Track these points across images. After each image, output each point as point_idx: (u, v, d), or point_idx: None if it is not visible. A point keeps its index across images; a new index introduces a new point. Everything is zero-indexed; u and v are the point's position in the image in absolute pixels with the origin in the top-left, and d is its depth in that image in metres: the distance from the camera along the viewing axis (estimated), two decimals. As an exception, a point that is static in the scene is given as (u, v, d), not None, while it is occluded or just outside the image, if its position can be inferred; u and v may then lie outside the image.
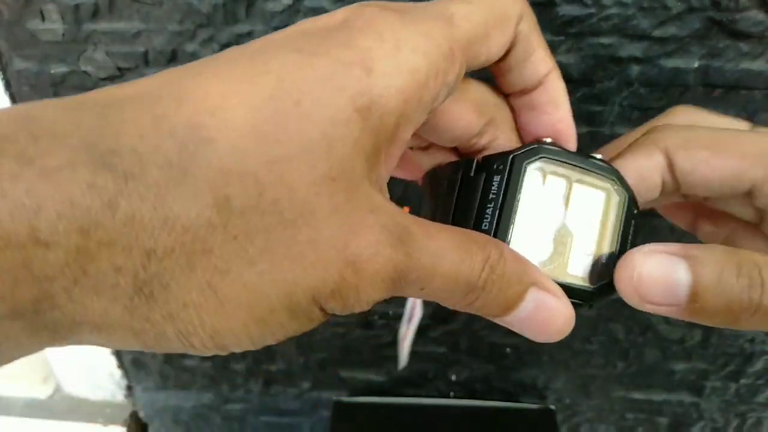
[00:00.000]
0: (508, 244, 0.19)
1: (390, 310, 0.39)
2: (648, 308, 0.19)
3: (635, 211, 0.21)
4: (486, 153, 0.21)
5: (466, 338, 0.40)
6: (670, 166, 0.21)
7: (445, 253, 0.16)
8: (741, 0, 0.27)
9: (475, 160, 0.20)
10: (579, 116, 0.31)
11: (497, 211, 0.20)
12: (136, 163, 0.13)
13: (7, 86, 0.32)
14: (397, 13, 0.16)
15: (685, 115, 0.23)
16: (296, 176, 0.14)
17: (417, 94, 0.16)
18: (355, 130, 0.15)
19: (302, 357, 0.42)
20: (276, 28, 0.29)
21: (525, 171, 0.20)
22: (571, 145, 0.22)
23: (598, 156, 0.21)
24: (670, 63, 0.29)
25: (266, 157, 0.14)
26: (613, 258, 0.20)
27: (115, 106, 0.14)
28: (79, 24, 0.29)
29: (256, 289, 0.14)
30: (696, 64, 0.29)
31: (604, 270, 0.20)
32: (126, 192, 0.13)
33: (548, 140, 0.20)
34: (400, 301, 0.39)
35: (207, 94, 0.14)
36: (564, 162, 0.20)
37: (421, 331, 0.40)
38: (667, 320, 0.38)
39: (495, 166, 0.20)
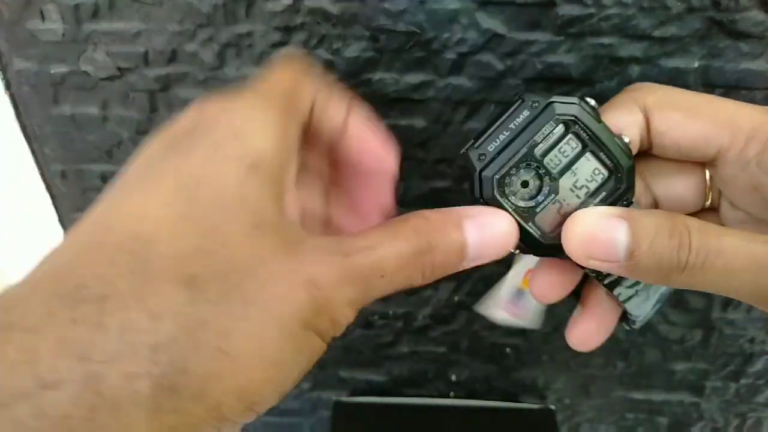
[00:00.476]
0: (494, 175, 0.22)
1: (390, 310, 0.39)
2: (591, 264, 0.21)
3: (625, 202, 0.22)
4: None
5: (466, 338, 0.40)
6: (647, 124, 0.23)
7: (380, 241, 0.18)
8: (741, 0, 0.27)
9: (518, 95, 0.22)
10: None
11: (508, 140, 0.22)
12: (105, 285, 0.14)
13: (7, 86, 0.32)
14: (236, 102, 0.19)
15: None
16: (230, 235, 0.16)
17: (284, 147, 0.19)
18: (255, 183, 0.17)
19: (302, 357, 0.42)
20: (276, 28, 0.29)
21: (552, 122, 0.22)
22: (392, 161, 0.24)
23: (627, 140, 0.22)
24: (671, 63, 0.29)
25: (200, 231, 0.16)
26: None
27: (59, 253, 0.16)
28: (79, 24, 0.29)
29: (257, 334, 0.15)
30: (696, 64, 0.29)
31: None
32: (107, 310, 0.14)
33: (592, 102, 0.22)
34: (400, 302, 0.39)
35: (130, 211, 0.16)
36: (590, 130, 0.22)
37: (421, 331, 0.40)
38: (667, 320, 0.38)
39: (531, 102, 0.22)
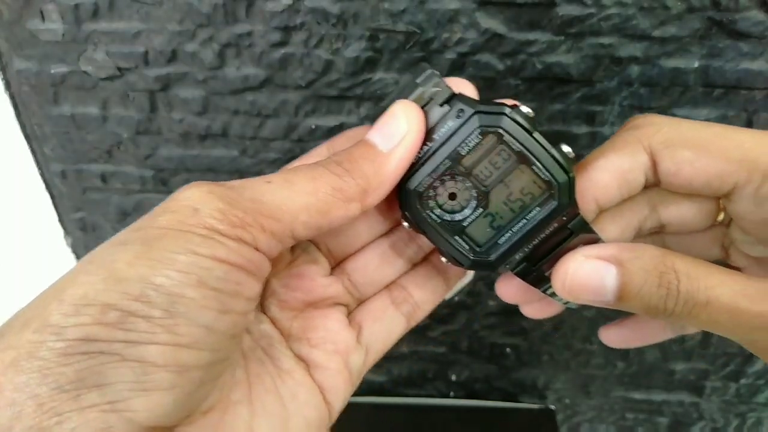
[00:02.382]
0: (416, 188, 0.21)
1: (390, 310, 0.39)
2: (580, 302, 0.21)
3: (563, 216, 0.21)
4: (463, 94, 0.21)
5: (466, 338, 0.40)
6: (654, 164, 0.22)
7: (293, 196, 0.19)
8: (741, 0, 0.27)
9: (452, 93, 0.21)
10: (579, 116, 0.31)
11: (432, 151, 0.21)
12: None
13: (7, 86, 0.32)
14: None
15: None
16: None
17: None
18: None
19: (302, 357, 0.42)
20: (276, 28, 0.29)
21: (477, 133, 0.20)
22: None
23: (566, 149, 0.21)
24: (670, 63, 0.29)
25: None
26: (508, 246, 0.21)
27: None
28: (79, 24, 0.29)
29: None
30: (696, 64, 0.29)
31: (492, 250, 0.22)
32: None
33: (525, 110, 0.21)
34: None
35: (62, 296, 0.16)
36: (520, 142, 0.21)
37: (421, 331, 0.40)
38: (667, 320, 0.38)
39: (457, 112, 0.21)
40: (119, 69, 0.31)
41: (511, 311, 0.39)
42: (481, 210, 0.21)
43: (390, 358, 0.42)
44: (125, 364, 0.15)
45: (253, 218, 0.18)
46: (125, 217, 0.37)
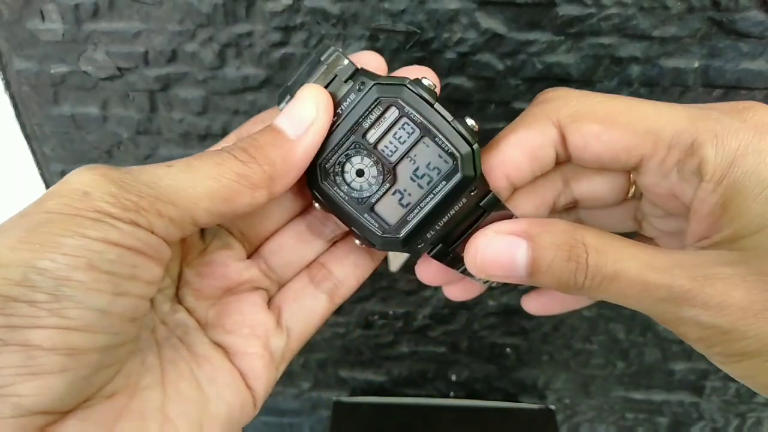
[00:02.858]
0: (320, 162, 0.20)
1: (390, 310, 0.39)
2: (493, 278, 0.21)
3: (472, 192, 0.21)
4: (365, 67, 0.21)
5: (466, 338, 0.40)
6: (563, 139, 0.22)
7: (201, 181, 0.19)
8: (741, 0, 0.27)
9: (355, 68, 0.21)
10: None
11: (335, 126, 0.20)
12: None
13: (7, 86, 0.32)
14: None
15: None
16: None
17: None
18: None
19: (302, 357, 0.42)
20: (276, 28, 0.29)
21: (377, 104, 0.20)
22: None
23: (470, 122, 0.21)
24: (670, 63, 0.29)
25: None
26: (416, 223, 0.21)
27: None
28: (79, 24, 0.29)
29: None
30: (696, 64, 0.29)
31: (402, 227, 0.21)
32: None
33: (428, 82, 0.20)
34: (400, 302, 0.39)
35: None
36: (422, 114, 0.20)
37: (421, 331, 0.40)
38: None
39: (358, 85, 0.20)
40: (119, 69, 0.31)
41: (512, 311, 0.39)
42: (388, 186, 0.21)
43: (390, 358, 0.42)
44: (9, 348, 0.15)
45: (148, 203, 0.18)
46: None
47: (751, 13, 0.27)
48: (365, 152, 0.21)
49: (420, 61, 0.30)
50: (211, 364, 0.21)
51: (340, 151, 0.21)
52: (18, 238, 0.16)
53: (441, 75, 0.30)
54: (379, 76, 0.20)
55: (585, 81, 0.30)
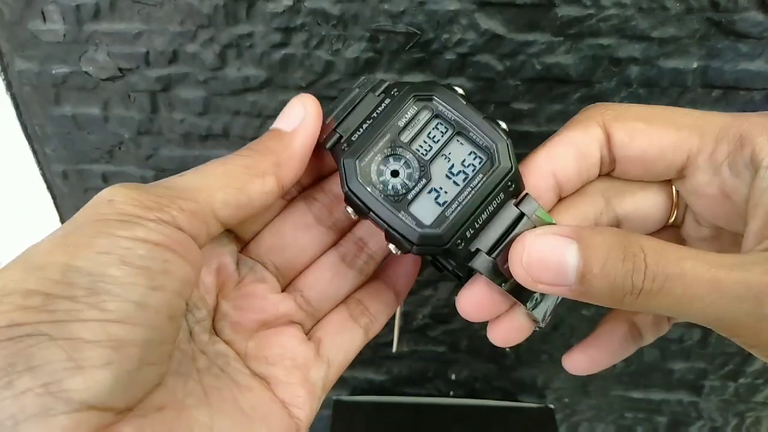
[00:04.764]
0: (357, 162, 0.21)
1: (390, 310, 0.40)
2: (540, 288, 0.19)
3: (511, 188, 0.21)
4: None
5: (466, 338, 0.41)
6: (608, 138, 0.21)
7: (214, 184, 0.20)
8: (740, 1, 0.27)
9: (387, 83, 0.22)
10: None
11: (370, 128, 0.21)
12: None
13: (9, 87, 0.32)
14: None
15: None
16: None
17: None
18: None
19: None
20: (277, 29, 0.29)
21: (412, 104, 0.21)
22: None
23: (503, 125, 0.21)
24: (669, 63, 0.29)
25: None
26: (455, 218, 0.21)
27: None
28: (80, 25, 0.30)
29: None
30: (695, 65, 0.29)
31: (440, 223, 0.21)
32: None
33: (458, 89, 0.22)
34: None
35: None
36: (456, 111, 0.21)
37: (421, 331, 0.40)
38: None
39: (393, 92, 0.22)
40: (120, 69, 0.31)
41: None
42: (423, 184, 0.21)
43: (390, 357, 0.42)
44: (54, 343, 0.15)
45: (168, 200, 0.18)
46: (126, 217, 0.37)
47: (749, 13, 0.27)
48: (401, 151, 0.21)
49: (420, 62, 0.30)
50: (254, 393, 0.21)
51: (375, 150, 0.21)
52: (53, 243, 0.17)
53: (441, 76, 0.30)
54: (410, 82, 0.22)
55: (584, 81, 0.30)
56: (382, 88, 0.22)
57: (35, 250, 0.17)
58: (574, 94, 0.30)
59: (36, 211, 0.37)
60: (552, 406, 0.43)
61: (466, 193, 0.21)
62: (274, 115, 0.32)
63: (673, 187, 0.23)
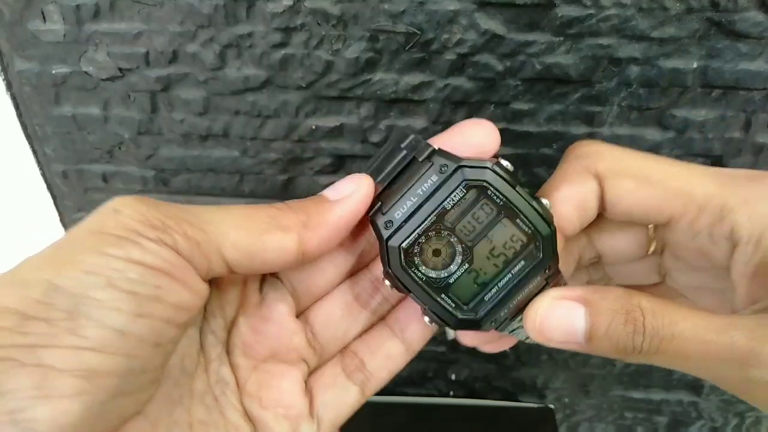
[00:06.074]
0: (401, 245, 0.20)
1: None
2: (552, 345, 0.21)
3: (547, 271, 0.21)
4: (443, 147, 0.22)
5: (466, 338, 0.41)
6: (601, 191, 0.22)
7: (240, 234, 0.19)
8: (740, 1, 0.27)
9: (432, 148, 0.21)
10: (578, 117, 0.31)
11: (415, 207, 0.20)
12: None
13: (9, 87, 0.32)
14: None
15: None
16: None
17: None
18: None
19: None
20: (277, 29, 0.29)
21: (461, 188, 0.20)
22: None
23: (545, 202, 0.21)
24: (669, 63, 0.29)
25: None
26: (494, 303, 0.21)
27: None
28: (80, 25, 0.30)
29: None
30: (695, 65, 0.29)
31: (478, 307, 0.21)
32: None
33: (506, 164, 0.21)
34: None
35: None
36: (504, 195, 0.21)
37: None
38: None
39: (440, 167, 0.20)
40: (120, 69, 0.31)
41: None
42: (466, 266, 0.21)
43: (390, 357, 0.42)
44: (24, 369, 0.14)
45: (175, 222, 0.18)
46: (126, 217, 0.37)
47: (749, 13, 0.27)
48: (445, 233, 0.21)
49: (420, 62, 0.30)
50: None
51: (419, 232, 0.21)
52: (44, 256, 0.16)
53: (440, 76, 0.30)
54: (459, 158, 0.21)
55: (584, 81, 0.30)
56: (427, 153, 0.21)
57: (27, 263, 0.16)
58: (574, 94, 0.30)
59: (36, 211, 0.37)
60: (552, 406, 0.43)
61: (506, 278, 0.21)
62: (274, 115, 0.32)
63: (649, 228, 0.24)
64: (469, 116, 0.31)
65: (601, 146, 0.23)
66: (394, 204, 0.21)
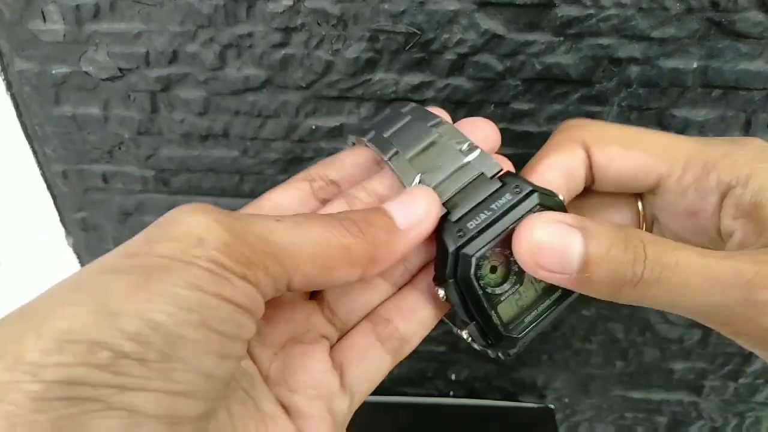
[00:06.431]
0: (475, 255, 0.20)
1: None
2: (541, 275, 0.19)
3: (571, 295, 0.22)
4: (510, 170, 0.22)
5: (466, 338, 0.41)
6: (588, 159, 0.23)
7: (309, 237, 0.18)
8: (740, 1, 0.27)
9: (501, 168, 0.22)
10: (578, 117, 0.31)
11: (489, 222, 0.21)
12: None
13: (9, 87, 0.32)
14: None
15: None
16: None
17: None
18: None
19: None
20: (276, 29, 0.29)
21: (535, 208, 0.21)
22: None
23: None
24: (669, 63, 0.29)
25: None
26: (534, 326, 0.21)
27: None
28: (80, 25, 0.30)
29: None
30: (695, 65, 0.29)
31: (518, 329, 0.21)
32: None
33: (561, 197, 0.22)
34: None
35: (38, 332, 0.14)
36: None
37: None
38: (666, 320, 0.38)
39: (513, 187, 0.21)
40: (120, 70, 0.31)
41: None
42: (516, 287, 0.21)
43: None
44: (112, 413, 0.13)
45: (259, 259, 0.16)
46: (127, 217, 0.37)
47: (749, 13, 0.27)
48: (507, 252, 0.21)
49: (420, 62, 0.30)
50: (276, 424, 0.20)
51: (491, 246, 0.20)
52: (132, 283, 0.14)
53: (440, 76, 0.30)
54: (531, 182, 0.21)
55: (584, 81, 0.30)
56: (495, 172, 0.21)
57: (111, 288, 0.14)
58: (574, 94, 0.30)
59: (36, 211, 0.37)
60: (552, 406, 0.43)
61: (546, 304, 0.21)
62: (274, 116, 0.32)
63: (639, 204, 0.25)
64: (469, 116, 0.31)
65: (585, 120, 0.24)
66: (466, 214, 0.21)
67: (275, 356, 0.21)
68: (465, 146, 0.22)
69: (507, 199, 0.21)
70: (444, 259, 0.21)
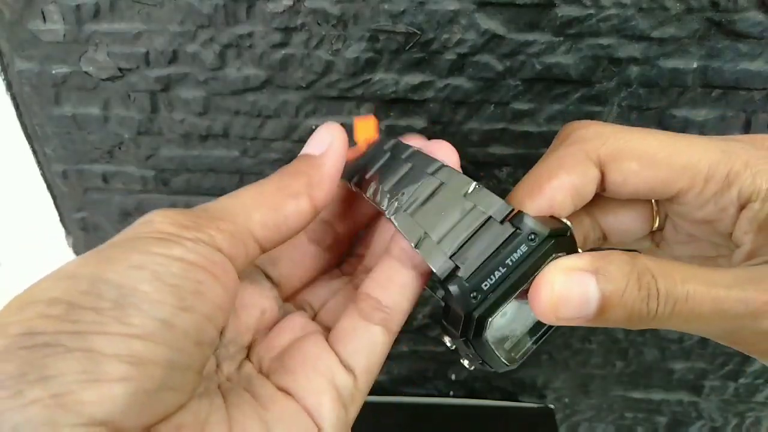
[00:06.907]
0: (488, 317, 0.19)
1: (390, 310, 0.39)
2: (559, 323, 0.19)
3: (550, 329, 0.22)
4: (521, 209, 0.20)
5: (466, 338, 0.41)
6: (602, 176, 0.22)
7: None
8: (740, 1, 0.27)
9: (512, 209, 0.20)
10: (578, 117, 0.31)
11: (503, 278, 0.19)
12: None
13: (9, 87, 0.32)
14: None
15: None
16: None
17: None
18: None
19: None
20: (276, 29, 0.29)
21: (551, 259, 0.19)
22: None
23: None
24: (669, 63, 0.29)
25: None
26: (526, 355, 0.21)
27: None
28: (80, 25, 0.30)
29: None
30: (695, 65, 0.29)
31: (517, 357, 0.21)
32: None
33: (569, 224, 0.21)
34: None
35: None
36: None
37: (421, 331, 0.40)
38: (666, 320, 0.38)
39: (528, 235, 0.19)
40: (120, 69, 0.31)
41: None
42: (529, 333, 0.21)
43: (390, 357, 0.42)
44: (71, 354, 0.15)
45: (206, 221, 0.19)
46: (126, 217, 0.37)
47: (749, 13, 0.27)
48: (520, 302, 0.20)
49: (420, 62, 0.30)
50: (277, 405, 0.20)
51: (506, 306, 0.20)
52: (88, 256, 0.17)
53: (440, 76, 0.30)
54: (540, 221, 0.20)
55: (584, 81, 0.30)
56: (505, 214, 0.20)
57: (71, 263, 0.17)
58: (574, 94, 0.30)
59: (36, 211, 0.37)
60: (552, 406, 0.43)
61: (544, 327, 0.21)
62: (274, 116, 0.32)
63: (653, 202, 0.24)
64: (469, 116, 0.31)
65: (602, 127, 0.22)
66: (478, 269, 0.19)
67: (273, 358, 0.22)
68: (471, 188, 0.20)
69: (522, 251, 0.19)
70: (456, 320, 0.20)
